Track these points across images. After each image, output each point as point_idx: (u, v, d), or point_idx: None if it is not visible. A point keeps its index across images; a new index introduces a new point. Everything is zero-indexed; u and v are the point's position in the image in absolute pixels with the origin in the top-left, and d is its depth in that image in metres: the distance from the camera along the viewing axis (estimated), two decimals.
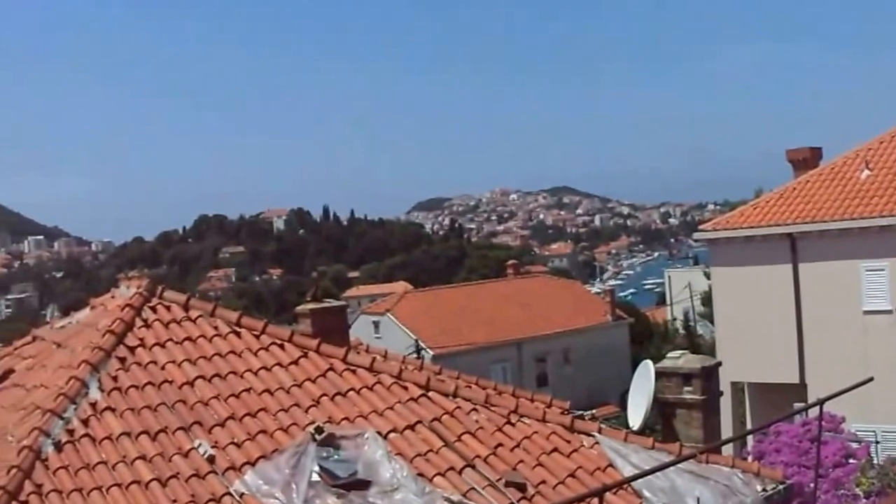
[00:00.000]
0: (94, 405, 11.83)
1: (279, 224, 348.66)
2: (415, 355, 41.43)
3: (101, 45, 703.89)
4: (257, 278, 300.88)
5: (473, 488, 11.32)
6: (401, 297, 63.39)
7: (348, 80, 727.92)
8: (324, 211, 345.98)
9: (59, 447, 11.11)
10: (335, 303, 16.10)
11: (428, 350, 52.53)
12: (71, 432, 11.35)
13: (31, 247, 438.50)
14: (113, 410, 11.80)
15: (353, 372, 13.38)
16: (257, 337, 13.75)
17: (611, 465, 12.57)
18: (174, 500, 10.65)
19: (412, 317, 58.04)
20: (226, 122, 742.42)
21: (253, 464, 11.27)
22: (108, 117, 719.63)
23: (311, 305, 15.03)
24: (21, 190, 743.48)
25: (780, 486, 13.06)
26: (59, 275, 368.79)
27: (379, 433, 11.89)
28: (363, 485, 10.89)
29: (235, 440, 11.67)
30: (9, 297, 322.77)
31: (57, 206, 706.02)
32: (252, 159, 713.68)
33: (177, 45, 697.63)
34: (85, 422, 11.55)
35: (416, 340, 53.21)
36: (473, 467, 11.71)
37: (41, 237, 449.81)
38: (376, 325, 59.41)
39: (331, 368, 13.31)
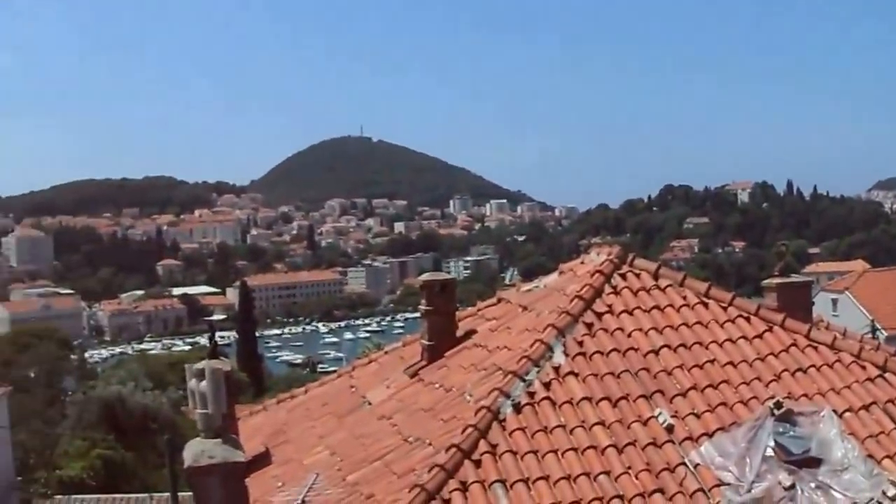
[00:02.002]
0: (557, 369, 13.73)
1: (743, 197, 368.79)
2: (870, 335, 41.66)
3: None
4: (720, 250, 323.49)
5: None
6: (860, 276, 70.40)
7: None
8: (787, 185, 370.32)
9: (517, 409, 13.03)
10: (801, 278, 17.26)
11: (883, 331, 53.21)
12: (531, 395, 13.28)
13: (492, 210, 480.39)
14: (576, 375, 13.65)
15: (815, 349, 14.41)
16: (724, 309, 15.12)
17: None
18: (629, 467, 12.29)
19: (869, 296, 63.81)
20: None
21: (710, 435, 12.67)
22: (563, 79, 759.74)
23: (777, 280, 16.24)
24: (484, 154, 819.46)
25: None
26: (520, 238, 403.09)
27: (835, 412, 12.83)
28: (815, 462, 12.02)
29: (695, 411, 13.14)
30: (468, 258, 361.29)
31: (520, 170, 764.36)
32: (717, 131, 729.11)
33: None
34: (546, 385, 13.45)
35: (872, 321, 55.67)
36: None
37: (504, 201, 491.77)
38: (834, 302, 66.02)
39: (794, 344, 14.42)
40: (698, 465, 12.33)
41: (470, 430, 12.55)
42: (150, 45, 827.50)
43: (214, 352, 16.96)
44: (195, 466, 11.54)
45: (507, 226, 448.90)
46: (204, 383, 12.16)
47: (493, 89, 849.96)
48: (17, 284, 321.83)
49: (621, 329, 14.62)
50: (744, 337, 14.62)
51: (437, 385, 15.98)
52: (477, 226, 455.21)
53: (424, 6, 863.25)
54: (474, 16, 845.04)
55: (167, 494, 37.62)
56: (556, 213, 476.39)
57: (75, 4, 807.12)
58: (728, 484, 12.06)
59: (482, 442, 12.46)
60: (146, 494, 41.26)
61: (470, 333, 17.72)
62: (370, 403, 17.42)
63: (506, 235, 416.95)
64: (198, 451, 11.67)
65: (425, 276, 18.99)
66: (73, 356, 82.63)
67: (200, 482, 11.62)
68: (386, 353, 20.95)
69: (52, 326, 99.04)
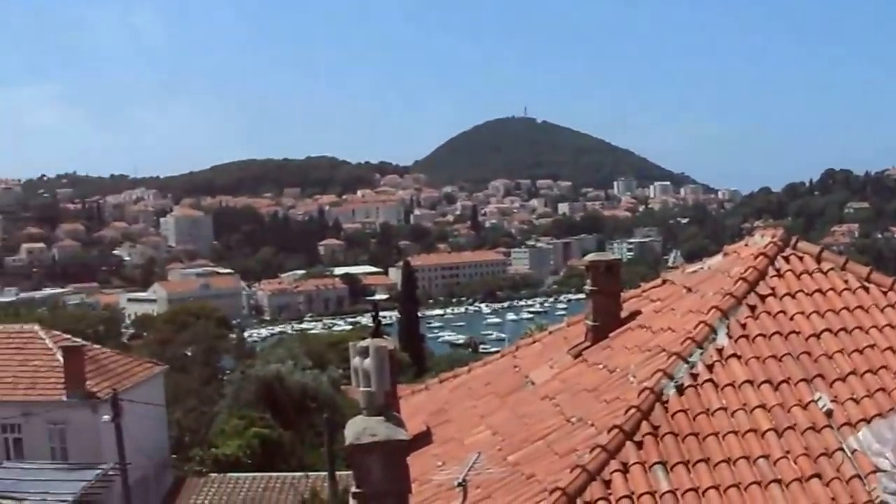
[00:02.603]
0: (720, 351, 14.01)
1: None
2: None
3: None
4: (879, 235, 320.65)
5: None
6: None
7: None
8: None
9: (680, 390, 13.37)
10: None
11: None
12: (694, 377, 13.59)
13: (656, 192, 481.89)
14: (738, 357, 13.89)
15: None
16: (885, 293, 15.19)
17: None
18: (787, 451, 12.53)
19: None
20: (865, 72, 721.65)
21: (868, 421, 12.78)
22: (735, 61, 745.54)
23: None
24: (648, 135, 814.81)
25: None
26: (683, 220, 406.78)
27: None
28: None
29: (854, 396, 13.26)
30: (632, 240, 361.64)
31: (684, 152, 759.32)
32: (879, 115, 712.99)
33: None
34: (710, 367, 13.74)
35: None
36: None
37: (667, 183, 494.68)
38: None
39: None
40: (855, 450, 12.47)
41: (632, 411, 12.96)
42: (313, 26, 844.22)
43: (378, 330, 17.38)
44: (357, 444, 11.77)
45: (670, 208, 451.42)
46: (368, 361, 12.44)
47: (658, 70, 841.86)
48: (176, 264, 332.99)
49: (784, 312, 14.80)
50: None
51: (600, 366, 16.34)
52: (641, 208, 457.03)
53: None
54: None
55: (324, 473, 38.97)
56: (719, 195, 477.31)
57: None
58: (885, 471, 12.15)
59: (644, 423, 12.85)
60: (302, 473, 42.46)
61: (634, 314, 18.05)
62: (533, 383, 17.80)
63: (669, 218, 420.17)
64: (360, 428, 11.90)
65: (591, 257, 19.28)
66: (231, 335, 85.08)
67: (362, 460, 11.83)
68: (550, 333, 21.29)
69: (211, 306, 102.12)
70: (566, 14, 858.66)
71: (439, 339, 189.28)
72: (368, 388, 12.33)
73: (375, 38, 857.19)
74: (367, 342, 13.15)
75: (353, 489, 11.99)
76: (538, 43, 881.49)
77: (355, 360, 12.74)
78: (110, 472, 29.06)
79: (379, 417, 12.05)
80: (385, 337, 17.80)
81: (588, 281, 18.58)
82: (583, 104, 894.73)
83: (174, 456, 46.16)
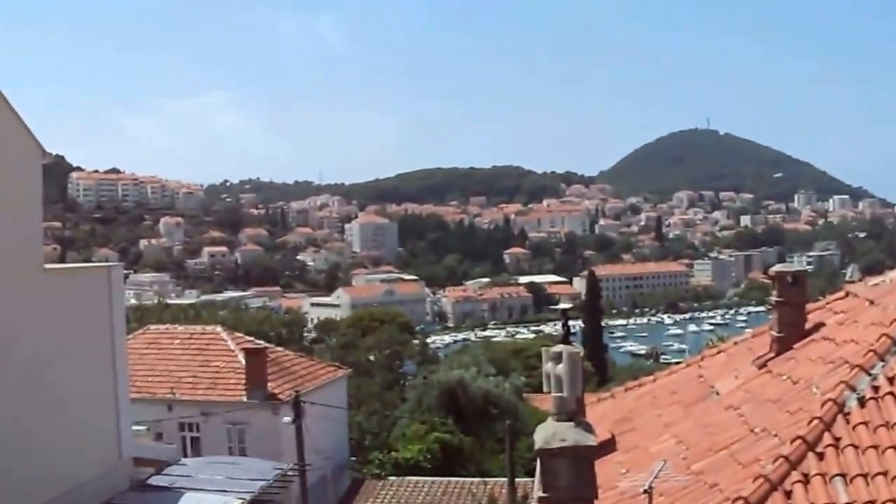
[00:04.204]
0: None
1: None
2: None
3: None
4: None
5: None
6: None
7: None
8: None
9: (862, 403, 13.29)
10: None
11: None
12: (876, 389, 13.48)
13: (835, 205, 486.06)
14: None
15: None
16: None
17: None
18: None
19: None
20: None
21: None
22: None
23: None
24: (829, 149, 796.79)
25: None
26: (861, 235, 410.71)
27: None
28: None
29: None
30: (811, 253, 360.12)
31: (863, 166, 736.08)
32: None
33: None
34: (891, 380, 13.60)
35: None
36: None
37: (846, 196, 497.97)
38: None
39: None
40: None
41: (815, 422, 12.96)
42: (498, 36, 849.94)
43: (567, 338, 17.57)
44: (546, 448, 12.01)
45: (848, 222, 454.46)
46: (560, 366, 12.67)
47: (837, 85, 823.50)
48: (360, 270, 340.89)
49: None
50: None
51: (784, 377, 16.41)
52: (820, 221, 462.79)
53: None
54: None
55: (503, 480, 39.28)
56: None
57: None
58: None
59: (826, 434, 12.83)
60: (480, 479, 42.93)
61: (818, 326, 18.08)
62: (718, 393, 17.97)
63: (847, 231, 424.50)
64: (550, 433, 12.14)
65: (777, 268, 19.49)
66: (414, 341, 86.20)
67: (550, 464, 12.05)
68: (735, 343, 21.39)
69: (395, 311, 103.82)
70: (749, 25, 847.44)
71: (621, 349, 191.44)
72: (560, 394, 12.58)
73: (562, 50, 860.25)
74: (561, 347, 13.30)
75: (540, 493, 12.24)
76: (721, 55, 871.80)
77: (548, 366, 12.97)
78: (289, 473, 29.91)
79: (569, 423, 12.29)
80: (574, 344, 17.93)
81: (773, 292, 18.76)
82: (764, 116, 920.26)
83: (353, 458, 47.22)
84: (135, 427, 28.13)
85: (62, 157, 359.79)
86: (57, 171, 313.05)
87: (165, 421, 38.14)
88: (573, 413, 12.49)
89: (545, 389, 13.17)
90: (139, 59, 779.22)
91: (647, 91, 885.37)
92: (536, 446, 12.14)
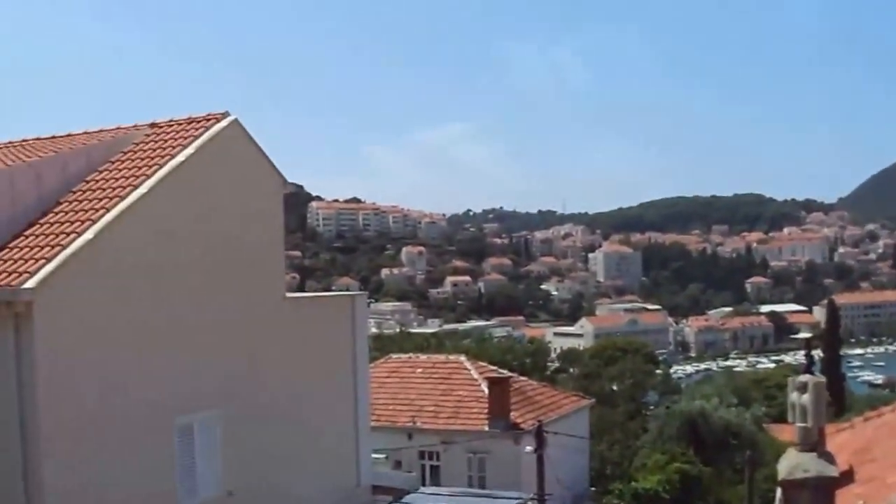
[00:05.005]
0: None
1: None
2: None
3: None
4: None
5: None
6: None
7: None
8: None
9: None
10: None
11: None
12: None
13: None
14: None
15: None
16: None
17: None
18: None
19: None
20: None
21: None
22: None
23: None
24: None
25: None
26: None
27: None
28: None
29: None
30: None
31: None
32: None
33: None
34: None
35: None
36: None
37: None
38: None
39: None
40: None
41: None
42: (719, 62, 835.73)
43: (810, 367, 17.30)
44: (789, 479, 12.05)
45: None
46: (805, 396, 12.71)
47: None
48: (604, 299, 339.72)
49: None
50: None
51: None
52: None
53: None
54: None
55: None
56: None
57: (656, 26, 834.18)
58: None
59: None
60: None
61: None
62: None
63: None
64: (793, 463, 12.20)
65: None
66: (657, 371, 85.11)
67: (792, 495, 12.08)
68: None
69: (638, 341, 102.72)
70: None
71: (858, 379, 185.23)
72: (804, 424, 12.65)
73: (799, 77, 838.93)
74: (806, 377, 13.25)
75: None
76: None
77: (793, 395, 13.02)
78: (529, 503, 29.42)
79: (812, 453, 12.38)
80: (816, 374, 17.23)
81: None
82: None
83: (593, 489, 46.56)
84: (374, 455, 28.16)
85: (301, 187, 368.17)
86: (296, 200, 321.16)
87: (405, 449, 38.35)
88: (816, 444, 12.59)
89: (789, 419, 13.21)
90: (379, 91, 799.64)
91: (887, 115, 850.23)
92: (780, 476, 12.15)
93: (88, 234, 19.26)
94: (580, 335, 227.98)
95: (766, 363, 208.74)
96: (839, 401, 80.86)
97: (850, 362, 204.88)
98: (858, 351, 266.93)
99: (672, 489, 45.75)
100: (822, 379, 14.78)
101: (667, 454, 48.83)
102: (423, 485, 31.67)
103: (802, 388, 12.80)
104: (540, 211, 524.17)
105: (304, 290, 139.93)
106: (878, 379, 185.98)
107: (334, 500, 24.83)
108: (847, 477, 16.84)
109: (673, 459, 47.97)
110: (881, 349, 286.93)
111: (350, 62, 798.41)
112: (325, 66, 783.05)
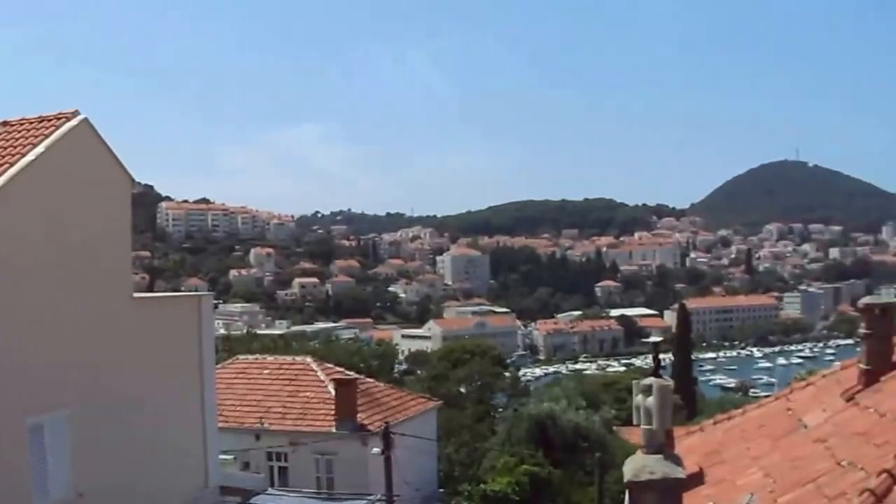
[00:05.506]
0: None
1: None
2: None
3: None
4: None
5: None
6: None
7: None
8: None
9: None
10: None
11: None
12: None
13: None
14: None
15: None
16: None
17: None
18: None
19: None
20: None
21: None
22: None
23: None
24: None
25: None
26: None
27: None
28: None
29: None
30: None
31: None
32: None
33: None
34: None
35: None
36: None
37: None
38: None
39: None
40: None
41: None
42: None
43: (657, 371, 17.86)
44: (635, 481, 12.15)
45: None
46: (650, 399, 12.88)
47: None
48: (452, 302, 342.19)
49: None
50: None
51: (871, 409, 16.18)
52: None
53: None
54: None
55: None
56: None
57: (511, 33, 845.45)
58: None
59: None
60: None
61: None
62: (806, 426, 17.78)
63: None
64: (639, 465, 12.29)
65: (866, 300, 19.20)
66: (505, 374, 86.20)
67: (639, 496, 12.18)
68: (823, 376, 21.29)
69: (486, 343, 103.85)
70: (837, 58, 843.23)
71: (711, 383, 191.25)
72: (649, 426, 12.81)
73: (652, 82, 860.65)
74: (651, 380, 13.57)
75: None
76: (810, 86, 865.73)
77: (638, 398, 13.22)
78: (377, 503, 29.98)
79: (658, 455, 12.49)
80: (664, 378, 18.14)
81: (861, 324, 18.37)
82: (852, 147, 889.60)
83: (442, 490, 47.15)
84: (222, 456, 28.38)
85: (151, 187, 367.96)
86: (146, 200, 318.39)
87: (253, 450, 38.46)
88: (662, 445, 12.66)
89: (635, 422, 13.39)
90: (230, 92, 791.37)
91: (737, 123, 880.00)
92: (626, 478, 12.26)
93: None
94: (428, 337, 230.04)
95: (616, 367, 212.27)
96: (691, 404, 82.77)
97: (702, 366, 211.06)
98: (711, 355, 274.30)
99: (522, 491, 46.23)
100: (668, 382, 15.44)
101: (516, 456, 49.31)
102: (272, 486, 31.99)
103: (647, 390, 12.97)
104: (388, 213, 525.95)
105: (153, 291, 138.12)
106: (731, 382, 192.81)
107: (183, 500, 25.01)
108: (697, 479, 17.86)
109: (522, 462, 48.43)
110: (733, 353, 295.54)
111: (205, 60, 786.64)
112: (179, 64, 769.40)
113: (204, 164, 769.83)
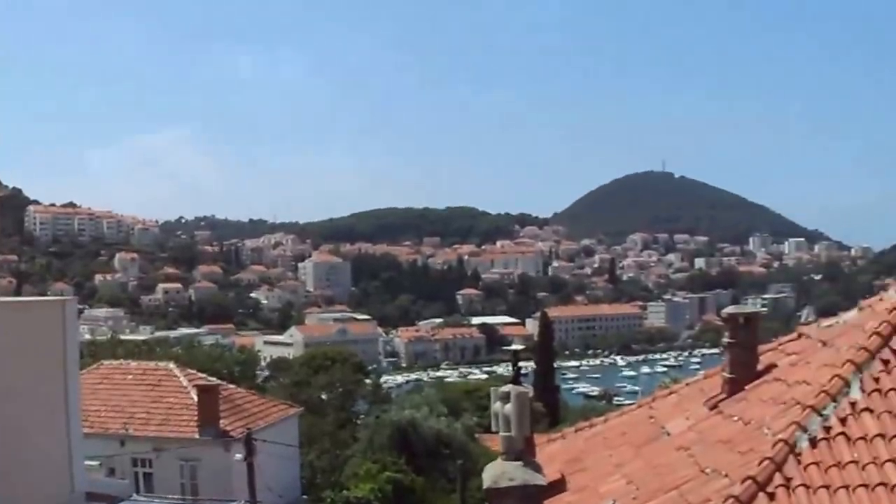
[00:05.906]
0: (853, 405, 14.04)
1: None
2: None
3: None
4: None
5: None
6: None
7: None
8: None
9: (813, 443, 13.46)
10: None
11: None
12: (827, 429, 13.66)
13: (790, 248, 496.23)
14: (871, 411, 13.88)
15: None
16: None
17: None
18: None
19: None
20: None
21: None
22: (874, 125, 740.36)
23: None
24: (784, 193, 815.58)
25: None
26: (816, 277, 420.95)
27: None
28: None
29: None
30: (766, 295, 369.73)
31: (819, 209, 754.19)
32: None
33: None
34: (843, 420, 13.81)
35: None
36: None
37: (801, 239, 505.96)
38: None
39: None
40: None
41: (766, 462, 13.15)
42: (456, 75, 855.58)
43: (517, 378, 17.84)
44: (494, 488, 12.34)
45: (804, 264, 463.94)
46: (509, 406, 12.96)
47: (794, 128, 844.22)
48: (313, 309, 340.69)
49: None
50: None
51: (735, 417, 16.61)
52: (775, 263, 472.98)
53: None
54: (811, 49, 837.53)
55: None
56: (852, 252, 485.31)
57: (388, 40, 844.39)
58: None
59: (777, 475, 13.04)
60: None
61: (770, 367, 18.25)
62: (669, 434, 18.11)
63: (803, 274, 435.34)
64: (498, 472, 12.48)
65: (730, 309, 19.54)
66: (367, 381, 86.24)
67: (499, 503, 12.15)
68: (687, 385, 21.59)
69: (348, 350, 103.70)
70: (702, 68, 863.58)
71: (574, 391, 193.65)
72: (508, 433, 12.88)
73: (517, 91, 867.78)
74: (509, 387, 13.60)
75: None
76: (675, 98, 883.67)
77: (496, 405, 13.28)
78: None
79: (517, 462, 12.63)
80: (524, 385, 18.29)
81: (726, 333, 18.89)
82: (719, 159, 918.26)
83: (305, 497, 47.26)
84: (87, 462, 28.14)
85: (20, 190, 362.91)
86: (14, 204, 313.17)
87: (118, 456, 38.14)
88: (522, 452, 12.78)
89: (494, 429, 13.42)
90: (95, 94, 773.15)
91: (603, 133, 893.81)
92: (485, 485, 12.36)
93: None
94: (290, 344, 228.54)
95: (477, 374, 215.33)
96: (553, 412, 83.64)
97: (565, 375, 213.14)
98: (574, 363, 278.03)
99: (384, 498, 46.68)
100: (526, 389, 15.60)
101: (378, 463, 49.74)
102: (137, 492, 31.83)
103: (505, 397, 13.03)
104: (251, 220, 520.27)
105: (20, 295, 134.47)
106: (594, 391, 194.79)
107: None
108: (558, 486, 18.13)
109: (384, 468, 48.94)
110: (597, 361, 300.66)
111: (71, 60, 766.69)
112: (47, 66, 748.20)
113: (72, 167, 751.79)
